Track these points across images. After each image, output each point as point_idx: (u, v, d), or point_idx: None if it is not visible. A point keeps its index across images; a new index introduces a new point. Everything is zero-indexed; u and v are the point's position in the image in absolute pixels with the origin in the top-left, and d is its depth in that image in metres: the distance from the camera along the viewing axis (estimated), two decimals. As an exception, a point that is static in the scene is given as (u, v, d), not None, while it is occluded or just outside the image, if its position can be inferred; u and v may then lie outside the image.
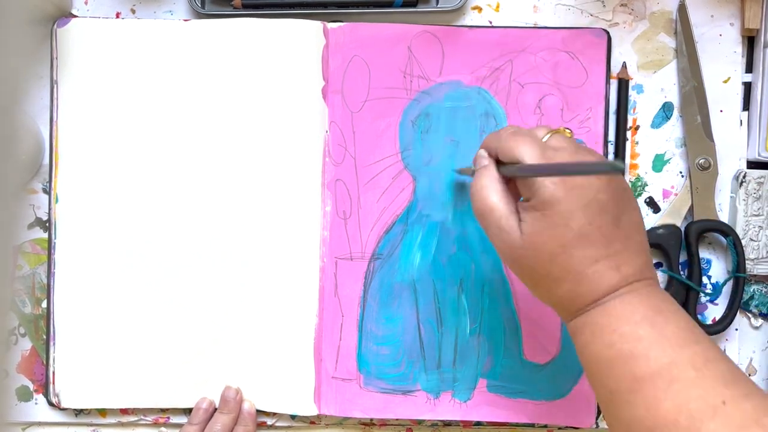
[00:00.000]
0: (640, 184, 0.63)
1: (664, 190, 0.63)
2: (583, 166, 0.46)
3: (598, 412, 0.62)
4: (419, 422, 0.64)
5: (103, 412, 0.63)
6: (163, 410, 0.63)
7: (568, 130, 0.53)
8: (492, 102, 0.62)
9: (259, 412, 0.62)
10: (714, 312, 0.63)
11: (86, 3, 0.63)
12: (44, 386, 0.62)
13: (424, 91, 0.62)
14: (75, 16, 0.62)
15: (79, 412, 0.63)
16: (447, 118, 0.62)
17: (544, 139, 0.50)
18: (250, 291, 0.61)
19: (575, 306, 0.49)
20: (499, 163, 0.52)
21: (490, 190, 0.51)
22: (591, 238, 0.47)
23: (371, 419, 0.64)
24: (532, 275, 0.50)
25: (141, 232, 0.62)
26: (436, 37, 0.62)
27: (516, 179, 0.51)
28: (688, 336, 0.47)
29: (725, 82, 0.63)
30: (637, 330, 0.47)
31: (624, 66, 0.63)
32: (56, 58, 0.62)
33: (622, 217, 0.49)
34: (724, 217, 0.63)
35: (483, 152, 0.53)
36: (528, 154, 0.49)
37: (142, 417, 0.63)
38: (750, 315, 0.64)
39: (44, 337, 0.62)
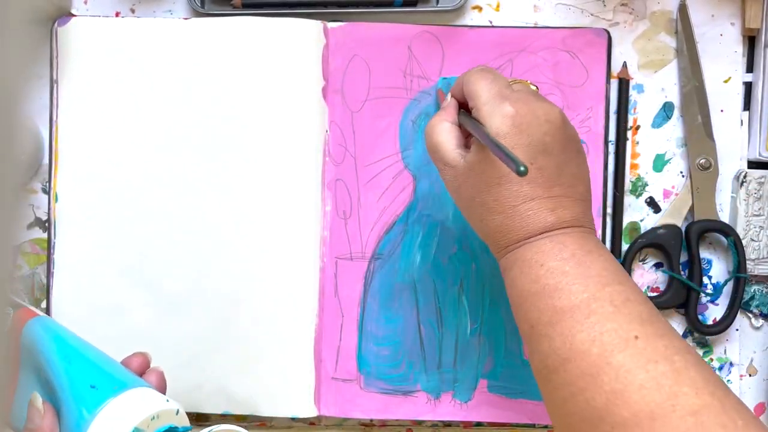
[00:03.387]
0: (640, 184, 0.63)
1: (664, 190, 0.63)
2: (500, 150, 0.47)
3: (599, 413, 0.62)
4: (419, 423, 0.64)
5: (102, 412, 0.63)
6: (162, 410, 0.63)
7: (534, 86, 0.55)
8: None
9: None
10: (714, 312, 0.63)
11: (86, 2, 0.63)
12: (44, 386, 0.62)
13: (424, 91, 0.62)
14: (75, 16, 0.62)
15: (78, 413, 0.63)
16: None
17: (510, 82, 0.53)
18: (250, 291, 0.61)
19: (505, 240, 0.50)
20: (462, 106, 0.54)
21: (439, 127, 0.53)
22: (530, 176, 0.49)
23: (371, 420, 0.64)
24: (468, 204, 0.51)
25: (141, 232, 0.62)
26: (436, 37, 0.62)
27: (472, 109, 0.52)
28: (613, 277, 0.48)
29: (726, 81, 0.63)
30: (564, 266, 0.48)
31: (624, 66, 0.63)
32: (56, 58, 0.62)
33: (566, 165, 0.50)
34: (724, 217, 0.63)
35: (448, 96, 0.55)
36: (484, 90, 0.51)
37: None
38: (750, 315, 0.64)
39: (44, 337, 0.62)
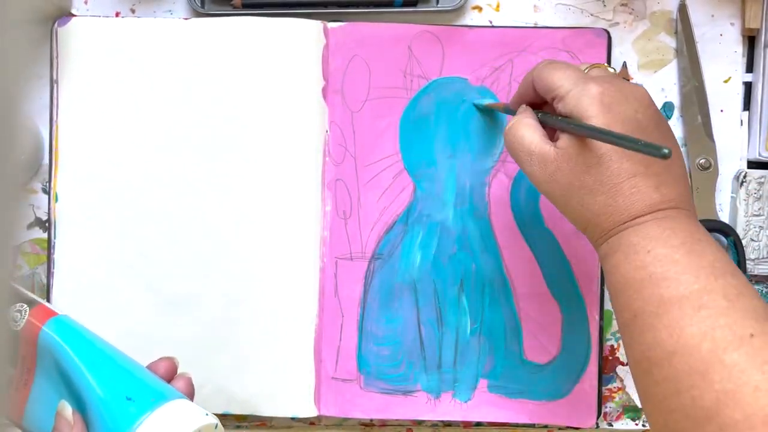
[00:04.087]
0: (640, 184, 0.63)
1: (664, 190, 0.63)
2: (621, 138, 0.45)
3: (599, 412, 0.62)
4: (419, 423, 0.64)
5: (102, 412, 0.63)
6: (162, 410, 0.63)
7: (612, 69, 0.53)
8: (492, 101, 0.62)
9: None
10: (714, 312, 0.63)
11: (86, 2, 0.63)
12: (44, 386, 0.62)
13: (424, 91, 0.62)
14: (75, 16, 0.62)
15: (78, 413, 0.63)
16: (448, 118, 0.62)
17: (584, 70, 0.51)
18: (250, 291, 0.61)
19: (609, 222, 0.47)
20: (535, 107, 0.53)
21: (520, 123, 0.51)
22: (630, 153, 0.46)
23: (371, 420, 0.64)
24: (566, 189, 0.48)
25: (141, 232, 0.62)
26: (436, 37, 0.62)
27: (553, 100, 0.50)
28: (725, 268, 0.45)
29: (726, 81, 0.63)
30: (673, 254, 0.45)
31: (624, 66, 0.63)
32: (56, 58, 0.62)
33: (660, 140, 0.48)
34: (724, 217, 0.63)
35: (522, 105, 0.53)
36: (564, 77, 0.49)
37: (141, 417, 0.63)
38: (750, 315, 0.63)
39: (44, 337, 0.62)
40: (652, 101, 0.49)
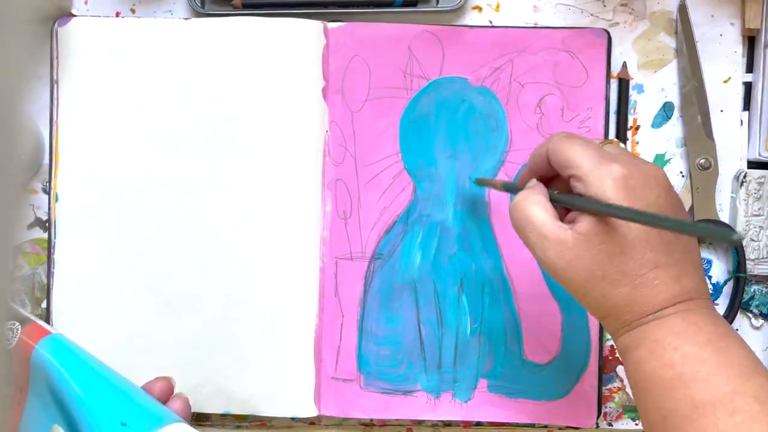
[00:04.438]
0: (640, 184, 0.63)
1: (664, 190, 0.63)
2: (689, 227, 0.43)
3: (599, 412, 0.62)
4: (419, 423, 0.64)
5: (103, 412, 0.63)
6: (163, 410, 0.63)
7: (622, 145, 0.50)
8: (493, 101, 0.62)
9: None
10: (714, 312, 0.63)
11: (86, 3, 0.63)
12: (44, 386, 0.62)
13: (424, 91, 0.62)
14: (75, 16, 0.62)
15: (78, 413, 0.63)
16: (448, 118, 0.62)
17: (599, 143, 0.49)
18: (250, 291, 0.61)
19: (631, 315, 0.46)
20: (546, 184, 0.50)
21: (529, 200, 0.48)
22: (652, 242, 0.45)
23: (371, 420, 0.64)
24: (585, 279, 0.46)
25: (141, 232, 0.62)
26: (436, 37, 0.62)
27: (570, 178, 0.48)
28: (752, 367, 0.44)
29: (726, 82, 0.63)
30: (701, 352, 0.44)
31: (624, 66, 0.63)
32: (56, 58, 0.62)
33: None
34: (724, 217, 0.63)
35: (533, 180, 0.51)
36: (584, 156, 0.47)
37: (142, 417, 0.63)
38: (750, 315, 0.64)
39: (44, 337, 0.62)
40: (671, 184, 0.48)
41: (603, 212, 0.45)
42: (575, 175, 0.47)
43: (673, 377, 0.44)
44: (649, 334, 0.45)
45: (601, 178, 0.46)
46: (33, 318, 0.50)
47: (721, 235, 0.41)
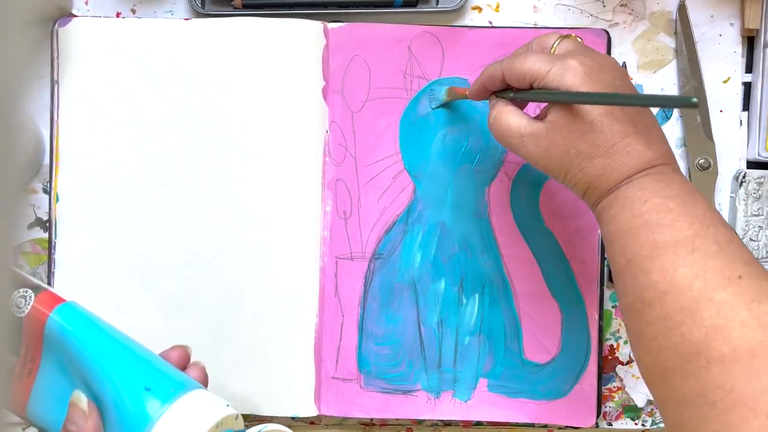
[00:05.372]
0: (640, 184, 0.63)
1: (664, 190, 0.63)
2: (631, 97, 0.47)
3: (599, 412, 0.62)
4: (419, 422, 0.64)
5: (103, 411, 0.63)
6: (163, 410, 0.63)
7: (578, 38, 0.54)
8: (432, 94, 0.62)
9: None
10: (714, 312, 0.63)
11: (86, 3, 0.63)
12: (44, 386, 0.62)
13: (424, 91, 0.62)
14: (75, 16, 0.62)
15: (79, 412, 0.63)
16: (447, 118, 0.62)
17: (554, 47, 0.52)
18: (250, 291, 0.61)
19: (608, 183, 0.49)
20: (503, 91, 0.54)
21: (501, 112, 0.52)
22: (616, 116, 0.49)
23: (371, 419, 0.64)
24: (563, 160, 0.50)
25: (141, 232, 0.62)
26: (436, 38, 0.62)
27: (531, 85, 0.51)
28: (715, 218, 0.48)
29: (725, 82, 0.63)
30: (668, 203, 0.47)
31: (624, 66, 0.63)
32: (57, 58, 0.62)
33: (639, 109, 0.50)
34: (723, 216, 0.63)
35: (492, 97, 0.54)
36: (538, 62, 0.50)
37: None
38: (750, 315, 0.63)
39: (44, 337, 0.62)
40: (625, 70, 0.52)
41: (563, 101, 0.49)
42: (536, 79, 0.50)
43: (640, 224, 0.48)
44: (623, 192, 0.49)
45: (561, 73, 0.49)
46: (45, 285, 0.48)
47: (680, 101, 0.45)
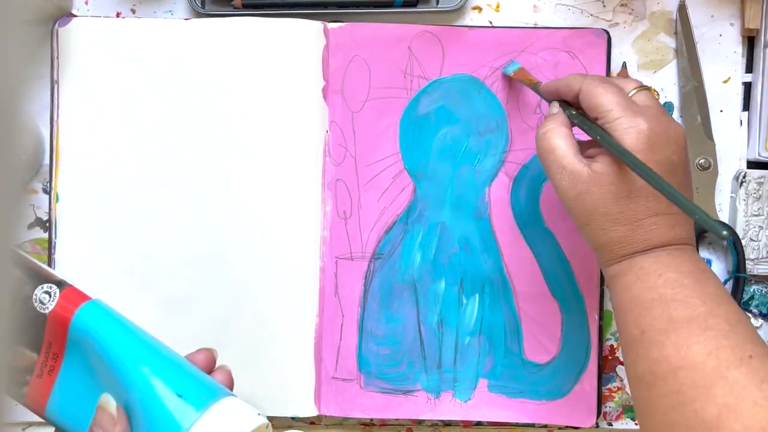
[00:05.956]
0: (640, 184, 0.63)
1: (664, 190, 0.63)
2: (679, 198, 0.46)
3: (599, 412, 0.62)
4: (419, 422, 0.64)
5: (103, 412, 0.63)
6: (163, 410, 0.63)
7: (656, 92, 0.54)
8: (493, 101, 0.62)
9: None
10: (714, 312, 0.63)
11: (86, 3, 0.63)
12: (44, 386, 0.62)
13: (424, 91, 0.62)
14: (75, 16, 0.62)
15: (79, 412, 0.63)
16: (448, 118, 0.62)
17: (630, 93, 0.52)
18: (250, 291, 0.61)
19: (624, 250, 0.50)
20: (568, 106, 0.53)
21: (555, 132, 0.52)
22: (655, 191, 0.48)
23: (371, 419, 0.64)
24: (590, 213, 0.50)
25: (141, 232, 0.62)
26: (436, 37, 0.62)
27: (596, 119, 0.51)
28: (726, 297, 0.49)
29: (725, 82, 0.63)
30: (682, 279, 0.48)
31: (624, 66, 0.63)
32: (57, 58, 0.62)
33: (683, 184, 0.51)
34: (724, 217, 0.63)
35: (555, 103, 0.54)
36: (614, 103, 0.50)
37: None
38: (750, 315, 0.64)
39: (44, 337, 0.62)
40: (686, 142, 0.51)
41: (617, 156, 0.49)
42: (603, 119, 0.50)
43: (654, 298, 0.48)
44: (637, 263, 0.50)
45: (627, 128, 0.49)
46: (69, 282, 0.47)
47: (712, 227, 0.45)
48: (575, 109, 0.53)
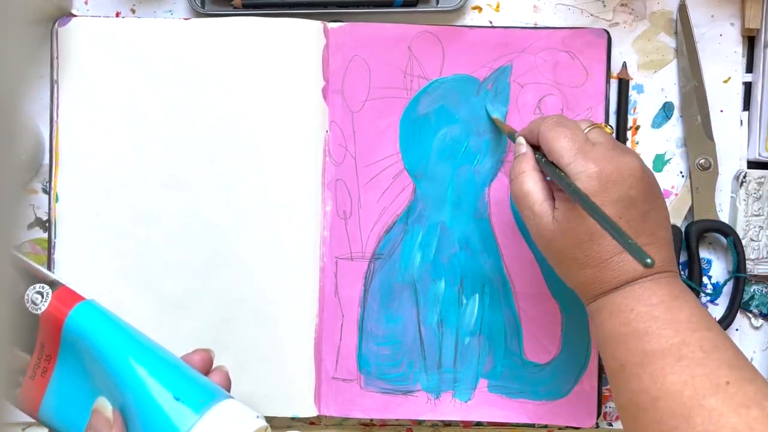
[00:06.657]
0: (640, 184, 0.63)
1: (664, 190, 0.63)
2: (615, 231, 0.46)
3: (599, 412, 0.62)
4: (419, 422, 0.64)
5: (103, 412, 0.63)
6: (163, 410, 0.63)
7: (609, 127, 0.56)
8: (493, 102, 0.62)
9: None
10: (714, 312, 0.63)
11: (86, 3, 0.63)
12: (44, 386, 0.62)
13: (424, 91, 0.62)
14: (75, 16, 0.62)
15: (79, 412, 0.63)
16: (447, 118, 0.62)
17: (585, 131, 0.53)
18: (250, 291, 0.61)
19: (596, 290, 0.51)
20: (537, 149, 0.54)
21: (527, 176, 0.53)
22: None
23: (371, 420, 0.64)
24: (559, 258, 0.52)
25: (141, 232, 0.62)
26: (436, 37, 0.62)
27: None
28: (701, 323, 0.49)
29: (725, 82, 0.63)
30: (653, 311, 0.49)
31: (624, 66, 0.63)
32: (57, 58, 0.62)
33: (649, 213, 0.51)
34: (724, 217, 0.63)
35: (522, 140, 0.55)
36: (565, 149, 0.51)
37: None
38: (750, 315, 0.64)
39: (44, 337, 0.62)
40: (645, 171, 0.52)
41: (572, 197, 0.49)
42: (557, 164, 0.52)
43: (628, 332, 0.50)
44: (611, 300, 0.51)
45: (578, 173, 0.50)
46: (63, 281, 0.46)
47: (638, 256, 0.44)
48: (539, 152, 0.54)
